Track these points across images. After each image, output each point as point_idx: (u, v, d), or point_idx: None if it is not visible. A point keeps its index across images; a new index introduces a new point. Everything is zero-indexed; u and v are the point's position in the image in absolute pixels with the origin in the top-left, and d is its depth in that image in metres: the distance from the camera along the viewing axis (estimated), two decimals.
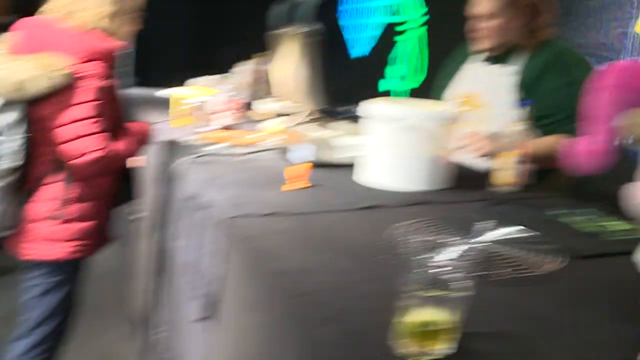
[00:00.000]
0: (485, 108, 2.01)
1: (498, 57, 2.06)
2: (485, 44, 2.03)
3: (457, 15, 3.82)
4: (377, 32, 4.76)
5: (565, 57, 1.98)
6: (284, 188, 1.59)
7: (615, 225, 1.42)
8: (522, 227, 1.31)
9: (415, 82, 4.32)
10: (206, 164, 1.83)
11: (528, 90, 1.94)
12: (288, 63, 1.99)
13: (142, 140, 1.90)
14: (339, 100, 1.96)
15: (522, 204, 1.57)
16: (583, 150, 0.75)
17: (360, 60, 4.97)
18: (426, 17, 4.27)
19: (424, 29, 4.27)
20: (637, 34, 2.65)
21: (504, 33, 1.99)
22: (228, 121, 2.37)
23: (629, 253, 1.22)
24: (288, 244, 1.19)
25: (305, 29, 1.77)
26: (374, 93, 4.52)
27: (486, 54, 2.08)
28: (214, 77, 2.22)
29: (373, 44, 4.83)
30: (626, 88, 0.69)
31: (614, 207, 1.66)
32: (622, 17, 2.74)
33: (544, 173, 1.83)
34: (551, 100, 1.90)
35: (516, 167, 1.69)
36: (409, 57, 4.40)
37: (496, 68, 2.05)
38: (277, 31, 2.07)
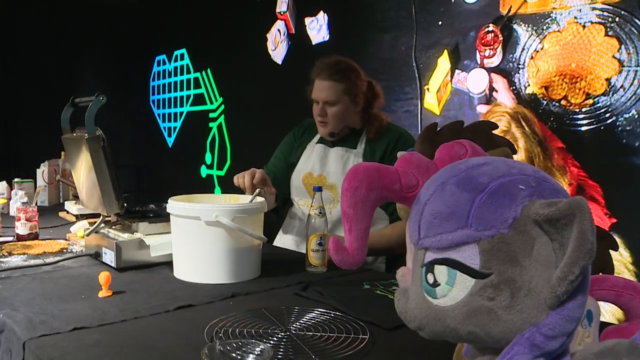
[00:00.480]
0: (334, 189, 2.14)
1: (341, 139, 2.22)
2: (329, 127, 2.18)
3: (253, 104, 4.00)
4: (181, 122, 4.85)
5: (405, 138, 2.20)
6: (101, 294, 1.50)
7: None
8: (335, 307, 1.38)
9: (221, 171, 4.42)
10: (4, 280, 1.67)
11: None
12: (79, 168, 1.92)
13: None
14: (163, 193, 1.91)
15: (336, 282, 1.64)
16: (332, 246, 0.83)
17: (177, 148, 4.98)
18: (222, 107, 4.43)
19: (222, 118, 4.41)
20: (426, 109, 2.99)
21: (344, 118, 2.16)
22: (23, 231, 2.21)
23: None
24: (98, 359, 1.11)
25: (87, 135, 1.73)
26: (197, 181, 4.54)
27: (330, 137, 2.22)
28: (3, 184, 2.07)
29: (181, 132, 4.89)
30: (369, 188, 0.78)
31: None
32: (404, 98, 3.08)
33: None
34: None
35: (322, 249, 1.78)
36: (213, 146, 4.50)
37: (342, 150, 2.20)
38: (66, 135, 1.99)
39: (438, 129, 1.05)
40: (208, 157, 4.51)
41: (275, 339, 1.18)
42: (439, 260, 0.68)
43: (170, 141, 5.05)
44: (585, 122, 2.30)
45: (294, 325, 1.25)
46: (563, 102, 2.39)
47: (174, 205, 1.67)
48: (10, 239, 2.25)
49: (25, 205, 2.23)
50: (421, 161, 0.79)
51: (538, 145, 2.44)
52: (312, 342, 1.16)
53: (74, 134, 1.88)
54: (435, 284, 0.68)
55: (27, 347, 1.20)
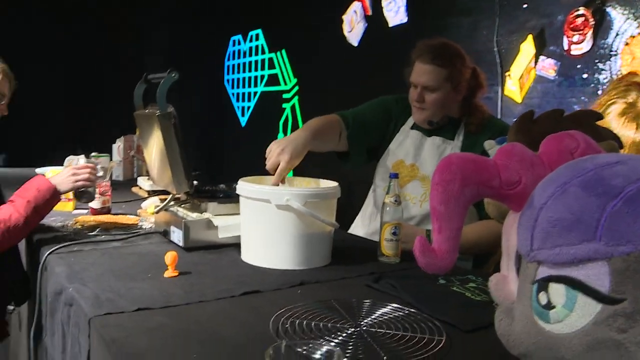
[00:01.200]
0: (426, 180, 2.01)
1: (439, 128, 2.08)
2: (426, 114, 2.04)
3: (327, 86, 3.94)
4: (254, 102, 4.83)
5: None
6: (167, 274, 1.48)
7: None
8: (408, 302, 1.30)
9: None
10: (77, 253, 1.68)
11: None
12: (150, 145, 1.90)
13: (43, 200, 1.75)
14: (234, 174, 1.88)
15: (410, 275, 1.56)
16: (417, 248, 0.73)
17: (250, 128, 4.99)
18: (296, 88, 4.37)
19: (296, 99, 4.35)
20: (506, 96, 2.83)
21: (444, 105, 2.02)
22: (96, 205, 2.24)
23: None
24: (160, 343, 1.08)
25: (158, 112, 1.69)
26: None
27: (429, 125, 2.08)
28: (84, 156, 2.08)
29: (254, 112, 4.88)
30: (464, 183, 0.67)
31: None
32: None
33: None
34: None
35: (396, 239, 1.70)
36: (286, 127, 4.46)
37: (439, 140, 2.07)
38: (139, 112, 1.97)
39: (534, 117, 0.94)
40: (281, 138, 4.49)
41: (344, 334, 1.11)
42: (555, 278, 0.56)
43: (243, 121, 5.07)
44: None
45: (365, 320, 1.18)
46: None
47: (243, 186, 1.63)
48: (85, 212, 2.29)
49: (99, 179, 2.25)
50: (524, 154, 0.69)
51: None
52: (384, 341, 1.08)
53: (147, 111, 1.87)
54: (550, 305, 0.57)
55: (92, 325, 1.18)
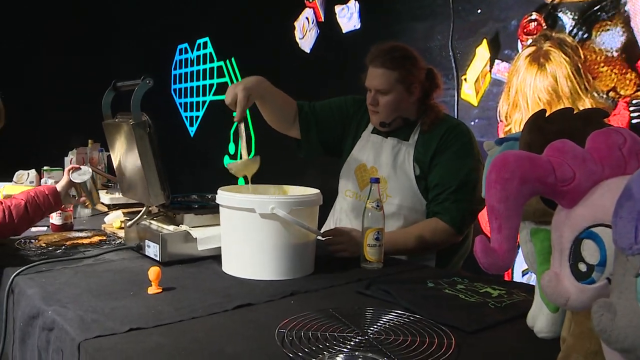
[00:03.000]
0: (384, 181, 2.02)
1: (394, 130, 2.08)
2: (380, 117, 2.04)
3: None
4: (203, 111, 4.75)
5: (460, 129, 2.04)
6: (151, 291, 1.41)
7: (495, 291, 1.45)
8: (406, 308, 1.29)
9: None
10: (46, 274, 1.59)
11: (425, 165, 1.99)
12: (121, 156, 1.83)
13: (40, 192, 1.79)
14: (185, 185, 1.82)
15: (398, 280, 1.55)
16: (479, 248, 0.72)
17: (199, 138, 4.89)
18: None
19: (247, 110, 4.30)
20: (463, 100, 2.88)
21: (396, 108, 2.02)
22: (58, 221, 2.13)
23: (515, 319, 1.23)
24: None
25: (132, 121, 1.63)
26: (220, 171, 4.45)
27: (381, 127, 2.08)
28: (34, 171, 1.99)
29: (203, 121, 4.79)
30: (522, 180, 0.67)
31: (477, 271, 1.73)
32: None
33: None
34: (443, 172, 1.96)
35: (379, 244, 1.69)
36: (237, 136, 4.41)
37: (394, 141, 2.07)
38: (107, 121, 1.89)
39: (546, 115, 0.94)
40: (231, 147, 4.41)
41: (352, 343, 1.08)
42: None
43: (192, 130, 4.96)
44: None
45: (371, 328, 1.16)
46: (612, 94, 2.27)
47: (225, 196, 1.58)
48: (45, 229, 2.17)
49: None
50: (576, 150, 0.69)
51: None
52: (395, 348, 1.06)
53: (116, 120, 1.78)
54: None
55: (82, 349, 1.11)
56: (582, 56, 2.35)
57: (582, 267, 0.68)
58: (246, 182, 1.79)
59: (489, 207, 0.69)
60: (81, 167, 1.96)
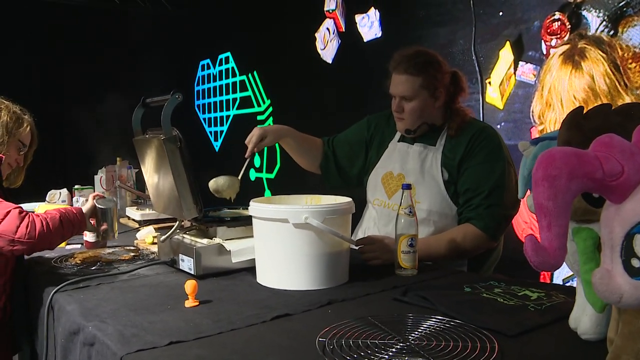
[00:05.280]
0: (414, 187, 1.99)
1: (421, 136, 2.06)
2: (405, 123, 2.03)
3: (303, 104, 3.94)
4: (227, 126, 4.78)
5: (487, 132, 2.01)
6: (188, 304, 1.42)
7: (534, 293, 1.42)
8: (444, 313, 1.27)
9: (271, 174, 4.32)
10: (84, 290, 1.60)
11: (453, 169, 1.98)
12: (153, 172, 1.85)
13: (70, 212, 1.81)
14: (208, 199, 1.84)
15: (435, 286, 1.53)
16: (529, 247, 0.70)
17: (224, 152, 4.92)
18: (271, 109, 4.34)
19: (271, 120, 4.33)
20: (488, 103, 2.86)
21: (422, 114, 2.01)
22: (91, 238, 2.15)
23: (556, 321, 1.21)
24: None
25: (162, 136, 1.65)
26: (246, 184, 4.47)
27: (407, 133, 2.07)
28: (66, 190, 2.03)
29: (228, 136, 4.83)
30: (570, 177, 0.66)
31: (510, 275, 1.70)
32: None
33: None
34: (474, 176, 1.94)
35: (413, 250, 1.68)
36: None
37: (420, 147, 2.05)
38: (138, 137, 1.91)
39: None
40: (257, 160, 4.43)
41: (394, 349, 1.07)
42: None
43: (217, 145, 5.00)
44: None
45: (413, 334, 1.14)
46: None
47: (258, 207, 1.58)
48: (79, 246, 2.20)
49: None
50: (624, 144, 0.68)
51: None
52: (437, 353, 1.05)
53: (147, 136, 1.80)
54: None
55: None
56: (620, 53, 2.31)
57: (636, 262, 0.67)
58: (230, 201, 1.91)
59: (537, 205, 0.68)
60: (105, 196, 2.00)
